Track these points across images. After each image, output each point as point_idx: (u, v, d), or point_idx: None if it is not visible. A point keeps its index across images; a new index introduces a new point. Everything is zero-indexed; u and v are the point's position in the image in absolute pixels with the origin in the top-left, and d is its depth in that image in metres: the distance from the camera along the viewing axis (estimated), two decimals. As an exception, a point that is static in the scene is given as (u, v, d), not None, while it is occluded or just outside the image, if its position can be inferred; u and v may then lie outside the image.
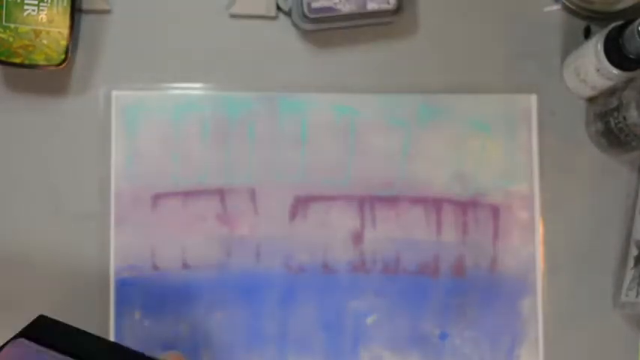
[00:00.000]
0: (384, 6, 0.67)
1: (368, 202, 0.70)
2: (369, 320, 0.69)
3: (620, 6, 0.70)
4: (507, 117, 0.71)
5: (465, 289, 0.70)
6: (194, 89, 0.69)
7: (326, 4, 0.66)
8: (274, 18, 0.70)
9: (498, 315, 0.69)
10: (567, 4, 0.71)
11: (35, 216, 0.68)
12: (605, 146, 0.70)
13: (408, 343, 0.69)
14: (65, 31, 0.65)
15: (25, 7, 0.65)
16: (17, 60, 0.65)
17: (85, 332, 0.53)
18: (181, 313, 0.68)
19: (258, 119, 0.69)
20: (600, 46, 0.64)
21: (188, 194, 0.69)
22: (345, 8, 0.67)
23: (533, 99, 0.71)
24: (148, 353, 0.68)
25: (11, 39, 0.65)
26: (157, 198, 0.68)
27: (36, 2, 0.65)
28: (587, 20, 0.72)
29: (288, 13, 0.69)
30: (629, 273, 0.69)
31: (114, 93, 0.69)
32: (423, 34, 0.71)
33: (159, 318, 0.68)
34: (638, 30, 0.60)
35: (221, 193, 0.69)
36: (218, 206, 0.69)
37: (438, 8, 0.71)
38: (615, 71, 0.64)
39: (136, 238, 0.68)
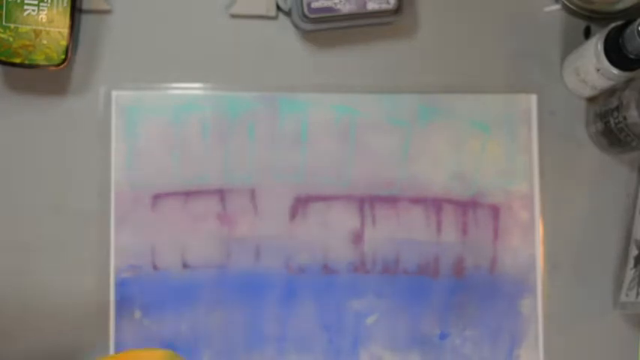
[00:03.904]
0: (384, 6, 0.67)
1: (368, 202, 0.70)
2: (369, 320, 0.69)
3: (620, 6, 0.70)
4: (507, 117, 0.71)
5: (465, 289, 0.70)
6: (194, 89, 0.69)
7: (326, 4, 0.66)
8: (274, 18, 0.70)
9: (498, 315, 0.69)
10: (567, 4, 0.71)
11: (35, 216, 0.68)
12: (605, 146, 0.70)
13: (408, 343, 0.69)
14: (65, 31, 0.65)
15: (25, 7, 0.65)
16: (17, 60, 0.65)
17: None
18: (181, 313, 0.68)
19: (258, 119, 0.69)
20: (600, 46, 0.64)
21: (188, 194, 0.69)
22: (345, 8, 0.67)
23: (533, 99, 0.71)
24: (148, 353, 0.68)
25: (11, 39, 0.65)
26: (156, 198, 0.68)
27: (36, 2, 0.65)
28: (587, 20, 0.72)
29: (288, 13, 0.69)
30: (629, 273, 0.69)
31: (114, 93, 0.69)
32: (423, 34, 0.71)
33: (159, 318, 0.68)
34: (638, 30, 0.60)
35: (221, 193, 0.69)
36: (218, 206, 0.69)
37: (438, 8, 0.71)
38: (615, 71, 0.64)
39: (136, 238, 0.68)
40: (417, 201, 0.70)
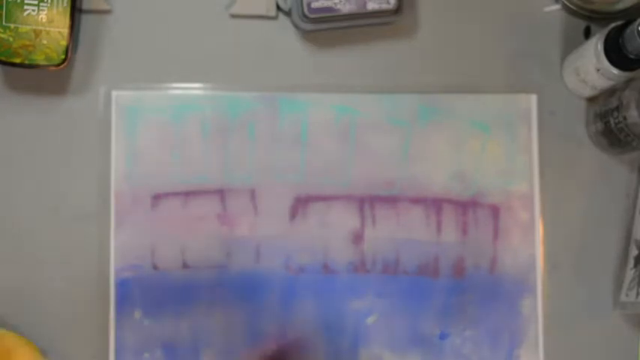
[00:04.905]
0: (384, 6, 0.67)
1: (368, 202, 0.70)
2: (369, 320, 0.69)
3: (620, 6, 0.70)
4: (507, 117, 0.71)
5: (465, 289, 0.70)
6: (194, 89, 0.69)
7: (326, 4, 0.66)
8: (274, 18, 0.70)
9: (498, 315, 0.69)
10: (567, 4, 0.71)
11: (35, 216, 0.68)
12: (605, 146, 0.70)
13: (408, 343, 0.69)
14: (65, 31, 0.65)
15: (25, 7, 0.65)
16: (17, 60, 0.65)
17: None
18: (181, 313, 0.68)
19: (258, 119, 0.69)
20: (600, 46, 0.64)
21: (188, 194, 0.69)
22: (345, 8, 0.67)
23: (533, 99, 0.71)
24: (147, 353, 0.68)
25: (11, 39, 0.65)
26: (157, 198, 0.68)
27: (36, 2, 0.65)
28: (587, 20, 0.72)
29: (288, 13, 0.69)
30: (629, 273, 0.69)
31: (114, 93, 0.69)
32: (423, 34, 0.71)
33: (159, 318, 0.68)
34: (638, 30, 0.60)
35: (221, 193, 0.69)
36: (218, 206, 0.69)
37: (438, 8, 0.71)
38: (615, 71, 0.64)
39: (136, 238, 0.68)
40: (417, 201, 0.70)
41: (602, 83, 0.67)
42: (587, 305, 0.70)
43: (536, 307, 0.70)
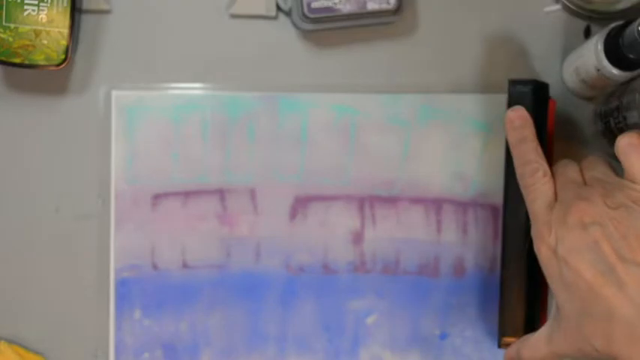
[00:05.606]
0: (384, 6, 0.67)
1: (368, 202, 0.70)
2: (369, 320, 0.69)
3: (620, 6, 0.70)
4: (507, 117, 0.70)
5: (465, 289, 0.70)
6: (194, 89, 0.69)
7: (326, 4, 0.66)
8: (274, 18, 0.70)
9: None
10: (567, 4, 0.71)
11: (35, 216, 0.68)
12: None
13: (408, 343, 0.69)
14: (65, 31, 0.65)
15: (25, 7, 0.65)
16: (17, 60, 0.65)
17: None
18: (181, 313, 0.68)
19: (258, 119, 0.69)
20: (600, 46, 0.64)
21: (188, 194, 0.69)
22: (345, 8, 0.67)
23: (533, 99, 0.71)
24: (147, 353, 0.68)
25: (11, 39, 0.65)
26: (156, 198, 0.68)
27: (36, 2, 0.65)
28: (587, 20, 0.72)
29: (288, 13, 0.69)
30: (629, 273, 0.69)
31: (114, 93, 0.69)
32: (423, 34, 0.71)
33: (159, 318, 0.68)
34: (638, 30, 0.60)
35: (221, 193, 0.69)
36: (218, 206, 0.69)
37: (438, 8, 0.71)
38: (615, 71, 0.64)
39: (136, 238, 0.68)
40: (417, 201, 0.70)
41: (602, 83, 0.67)
42: (587, 305, 0.70)
43: (536, 307, 0.70)
